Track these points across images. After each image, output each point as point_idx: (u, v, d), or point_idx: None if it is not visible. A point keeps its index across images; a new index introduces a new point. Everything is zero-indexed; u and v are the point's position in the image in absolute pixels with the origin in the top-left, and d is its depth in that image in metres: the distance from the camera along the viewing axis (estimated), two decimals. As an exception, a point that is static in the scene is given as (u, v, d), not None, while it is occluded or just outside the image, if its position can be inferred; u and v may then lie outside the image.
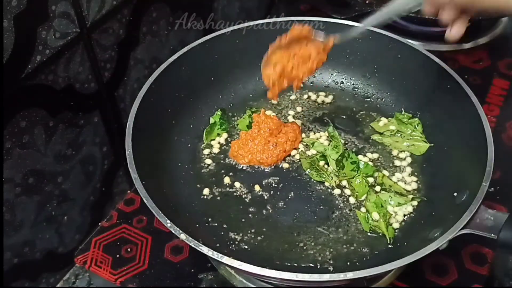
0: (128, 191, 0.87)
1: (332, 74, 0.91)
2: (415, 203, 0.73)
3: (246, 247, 0.69)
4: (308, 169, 0.78)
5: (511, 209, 0.80)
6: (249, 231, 0.70)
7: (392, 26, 1.06)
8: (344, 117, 0.87)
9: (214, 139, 0.83)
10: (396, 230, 0.70)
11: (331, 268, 0.66)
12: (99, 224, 0.82)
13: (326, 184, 0.77)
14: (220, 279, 0.74)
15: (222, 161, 0.80)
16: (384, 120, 0.85)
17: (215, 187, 0.76)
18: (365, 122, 0.86)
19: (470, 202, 0.59)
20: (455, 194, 0.67)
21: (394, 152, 0.81)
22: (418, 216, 0.72)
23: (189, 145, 0.81)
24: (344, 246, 0.69)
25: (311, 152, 0.81)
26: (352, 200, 0.74)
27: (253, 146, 0.78)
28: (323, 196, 0.75)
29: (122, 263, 0.76)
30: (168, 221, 0.58)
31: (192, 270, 0.75)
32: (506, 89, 1.00)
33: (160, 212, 0.59)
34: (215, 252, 0.56)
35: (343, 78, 0.91)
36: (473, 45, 1.10)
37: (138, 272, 0.75)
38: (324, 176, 0.77)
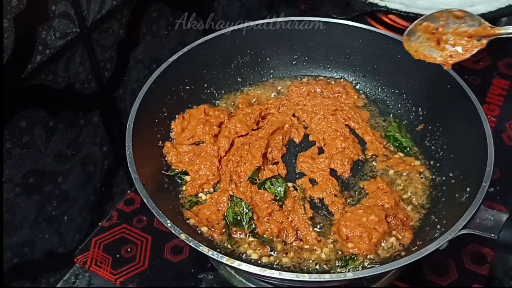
0: (128, 191, 0.87)
1: (332, 75, 0.91)
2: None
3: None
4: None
5: (511, 209, 0.80)
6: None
7: (392, 26, 1.06)
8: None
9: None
10: None
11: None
12: (99, 224, 0.82)
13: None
14: (220, 279, 0.74)
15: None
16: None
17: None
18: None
19: (470, 202, 0.59)
20: (455, 194, 0.67)
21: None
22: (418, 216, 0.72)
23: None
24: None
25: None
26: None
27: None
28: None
29: (122, 263, 0.76)
30: (168, 221, 0.58)
31: (192, 270, 0.75)
32: (506, 89, 1.00)
33: (160, 212, 0.59)
34: (215, 252, 0.56)
35: (343, 78, 0.91)
36: (473, 45, 1.09)
37: (138, 272, 0.75)
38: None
